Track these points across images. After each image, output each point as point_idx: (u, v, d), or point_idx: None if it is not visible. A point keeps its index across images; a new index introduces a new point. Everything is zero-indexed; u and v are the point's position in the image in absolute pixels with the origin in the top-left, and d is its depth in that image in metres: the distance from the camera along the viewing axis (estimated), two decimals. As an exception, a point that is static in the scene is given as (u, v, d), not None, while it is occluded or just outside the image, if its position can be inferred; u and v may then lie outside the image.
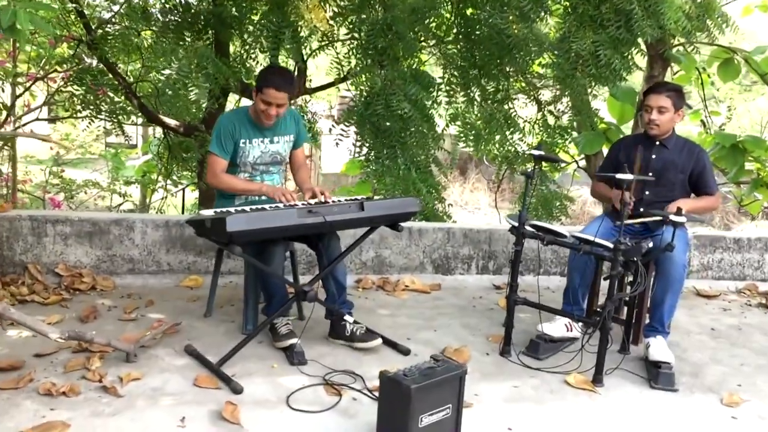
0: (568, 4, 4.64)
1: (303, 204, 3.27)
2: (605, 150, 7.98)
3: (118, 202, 11.16)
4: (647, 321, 3.59)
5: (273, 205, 3.24)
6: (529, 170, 3.38)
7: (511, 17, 4.55)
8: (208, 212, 3.12)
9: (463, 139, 5.76)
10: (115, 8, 6.70)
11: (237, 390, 2.92)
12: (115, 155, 12.52)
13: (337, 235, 3.50)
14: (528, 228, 3.36)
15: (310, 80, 6.81)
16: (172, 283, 4.24)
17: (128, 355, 3.14)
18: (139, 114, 7.68)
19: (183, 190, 10.43)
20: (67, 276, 4.05)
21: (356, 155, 5.25)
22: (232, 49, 6.32)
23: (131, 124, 8.67)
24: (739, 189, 9.90)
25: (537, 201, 6.51)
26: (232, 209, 3.15)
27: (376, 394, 2.95)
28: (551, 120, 6.82)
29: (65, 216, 4.13)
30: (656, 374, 3.26)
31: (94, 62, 6.75)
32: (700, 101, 9.12)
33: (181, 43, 5.48)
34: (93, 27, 6.31)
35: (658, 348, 3.37)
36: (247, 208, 3.17)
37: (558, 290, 4.40)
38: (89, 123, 7.49)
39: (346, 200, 3.37)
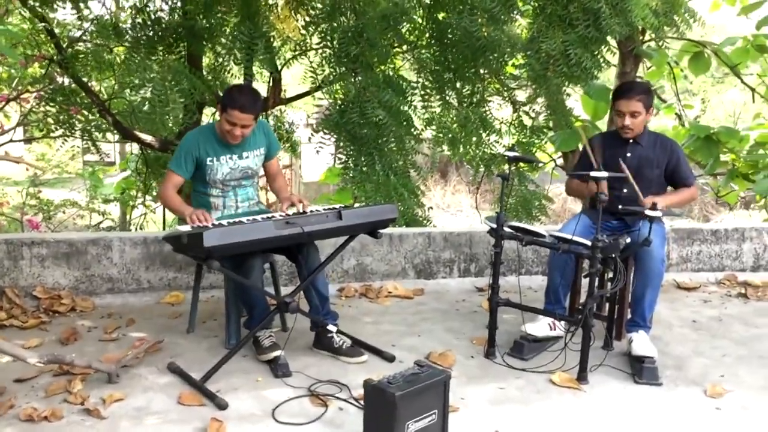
0: (536, 4, 4.66)
1: (281, 215, 3.26)
2: (581, 147, 8.06)
3: (98, 220, 11.08)
4: (629, 316, 3.62)
5: (250, 218, 3.22)
6: (505, 172, 3.39)
7: (480, 20, 4.57)
8: (184, 227, 3.10)
9: (441, 142, 5.78)
10: (86, 25, 6.66)
11: (222, 406, 2.90)
12: (92, 173, 12.42)
13: (315, 245, 3.49)
14: (506, 229, 3.37)
15: (285, 90, 6.79)
16: (153, 300, 4.21)
17: (110, 375, 3.10)
18: (115, 131, 7.64)
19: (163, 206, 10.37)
20: (45, 298, 4.00)
21: (335, 163, 5.26)
22: (205, 61, 6.30)
23: (106, 141, 8.60)
24: (716, 180, 10.02)
25: (516, 202, 6.53)
26: (208, 224, 3.13)
27: (362, 402, 2.95)
28: (527, 120, 6.87)
29: (41, 238, 4.09)
30: (640, 369, 3.28)
31: (66, 81, 6.71)
32: (674, 95, 9.22)
33: (153, 57, 5.45)
34: (64, 46, 6.27)
35: (640, 343, 3.39)
36: (224, 222, 3.16)
37: (540, 289, 4.39)
38: (63, 142, 7.44)
39: (323, 210, 3.36)
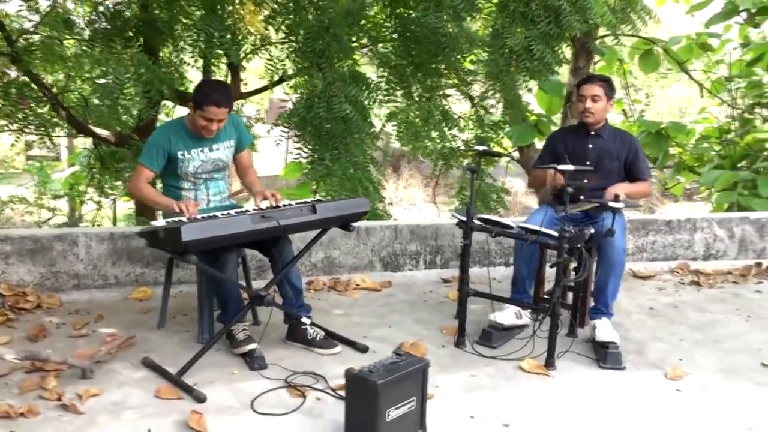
0: (498, 1, 4.77)
1: (255, 209, 3.28)
2: (537, 141, 8.25)
3: (47, 216, 10.83)
4: (591, 304, 3.76)
5: (225, 212, 3.24)
6: (473, 165, 3.48)
7: (445, 16, 4.66)
8: (159, 222, 3.10)
9: (402, 136, 5.86)
10: (36, 18, 6.52)
11: (200, 399, 2.92)
12: (40, 169, 12.14)
13: (289, 239, 3.53)
14: (476, 222, 3.46)
15: (246, 83, 6.79)
16: (120, 296, 4.18)
17: (84, 371, 3.08)
18: (65, 126, 7.49)
19: (114, 201, 10.21)
20: (10, 296, 3.93)
21: (298, 158, 5.28)
22: (161, 55, 6.25)
23: (57, 136, 8.43)
24: (662, 173, 10.36)
25: (475, 195, 6.66)
26: (184, 218, 3.13)
27: (340, 392, 3.01)
28: (484, 115, 7.01)
29: (5, 234, 4.02)
30: (604, 354, 3.42)
31: (14, 74, 6.55)
32: (623, 91, 9.50)
33: (112, 51, 5.39)
34: (14, 38, 6.13)
35: (604, 329, 3.53)
36: (198, 216, 3.17)
37: (504, 280, 4.53)
38: (17, 138, 7.27)
39: (297, 203, 3.40)
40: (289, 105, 5.44)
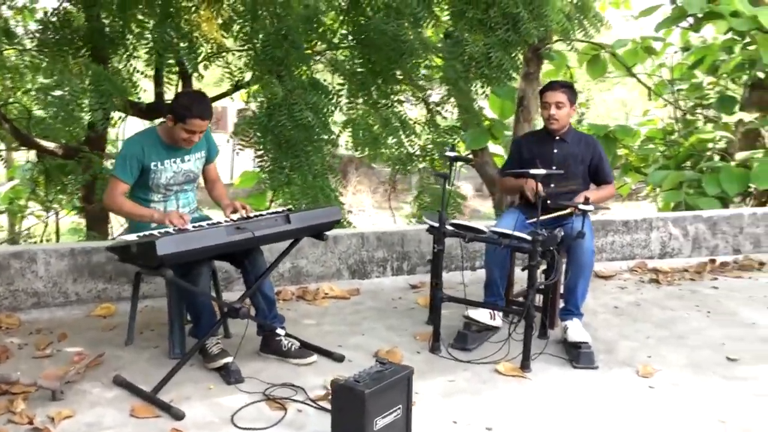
0: (457, 9, 4.81)
1: (227, 221, 3.23)
2: (490, 145, 8.37)
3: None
4: (561, 305, 3.82)
5: (196, 225, 3.18)
6: (445, 171, 3.50)
7: (406, 23, 4.68)
8: (130, 237, 3.03)
9: (360, 143, 5.86)
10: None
11: (179, 416, 2.85)
12: (-23, 184, 11.71)
13: (261, 250, 3.49)
14: (448, 227, 3.48)
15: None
16: (83, 313, 4.05)
17: (54, 393, 2.98)
18: (7, 138, 7.25)
19: (57, 215, 9.92)
20: (-34, 317, 3.79)
21: (259, 167, 5.23)
22: (110, 64, 6.09)
23: (-1, 150, 8.16)
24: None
25: (432, 199, 6.72)
26: (155, 232, 3.06)
27: (321, 403, 3.00)
28: (439, 120, 7.06)
29: (-42, 253, 3.86)
30: (577, 354, 3.47)
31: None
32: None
33: (62, 62, 5.24)
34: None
35: (575, 330, 3.59)
36: (170, 230, 3.10)
37: (470, 284, 4.55)
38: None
39: (269, 214, 3.36)
40: (247, 113, 5.37)
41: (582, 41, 6.06)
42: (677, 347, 3.75)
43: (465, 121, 7.19)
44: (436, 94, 7.66)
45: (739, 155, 8.17)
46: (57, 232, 10.65)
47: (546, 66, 8.49)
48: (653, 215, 5.65)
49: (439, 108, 7.13)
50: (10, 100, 7.63)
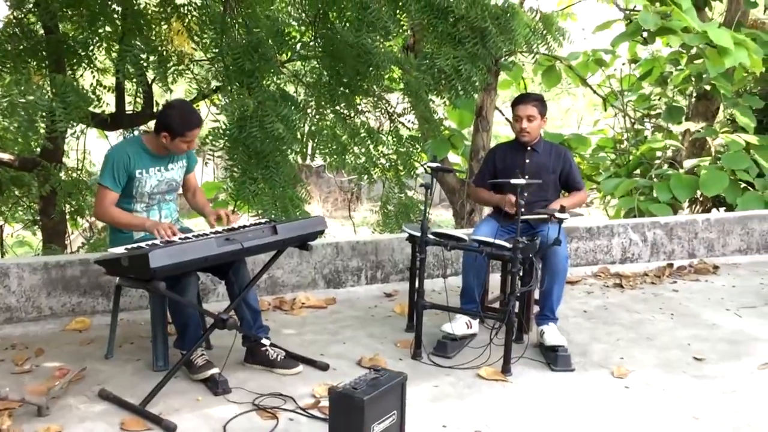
0: (427, 22, 4.91)
1: (214, 233, 3.25)
2: (450, 155, 8.52)
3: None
4: (536, 310, 3.94)
5: (182, 237, 3.19)
6: (428, 182, 3.59)
7: (378, 36, 4.76)
8: (118, 250, 3.01)
9: (326, 153, 5.90)
10: None
11: (170, 428, 2.85)
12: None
13: (245, 261, 3.51)
14: (430, 236, 3.56)
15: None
16: (57, 328, 3.99)
17: (40, 408, 2.94)
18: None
19: (1, 228, 9.66)
20: (-63, 334, 3.69)
21: (227, 178, 5.22)
22: (72, 75, 6.00)
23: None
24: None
25: (396, 209, 6.80)
26: (143, 244, 3.06)
27: (311, 411, 3.03)
28: (402, 130, 7.15)
29: (-73, 268, 3.77)
30: (554, 358, 3.59)
31: None
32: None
33: (23, 70, 5.15)
34: None
35: (552, 334, 3.71)
36: (157, 242, 3.10)
37: (443, 291, 4.65)
38: None
39: (254, 224, 3.39)
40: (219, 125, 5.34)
41: (545, 55, 6.24)
42: (647, 348, 3.91)
43: (425, 132, 7.31)
44: (397, 104, 7.77)
45: (687, 163, 8.51)
46: (1, 246, 10.36)
47: (502, 76, 8.72)
48: (614, 222, 5.85)
49: (401, 119, 7.23)
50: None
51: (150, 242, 3.12)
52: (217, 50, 4.97)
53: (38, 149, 6.83)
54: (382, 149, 6.46)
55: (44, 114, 4.55)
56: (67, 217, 7.57)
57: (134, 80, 5.43)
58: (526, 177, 3.88)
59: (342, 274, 4.81)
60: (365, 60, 4.94)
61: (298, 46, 5.57)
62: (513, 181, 3.41)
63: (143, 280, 2.91)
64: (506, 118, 7.63)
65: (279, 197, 5.21)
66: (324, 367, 3.50)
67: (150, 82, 5.92)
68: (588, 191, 11.34)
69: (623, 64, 10.01)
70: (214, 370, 3.26)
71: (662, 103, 9.69)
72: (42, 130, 5.45)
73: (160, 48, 4.78)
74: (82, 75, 5.81)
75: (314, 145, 6.05)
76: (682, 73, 8.31)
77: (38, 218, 7.61)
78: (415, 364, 3.62)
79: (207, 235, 3.19)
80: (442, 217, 16.06)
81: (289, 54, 5.45)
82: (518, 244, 3.35)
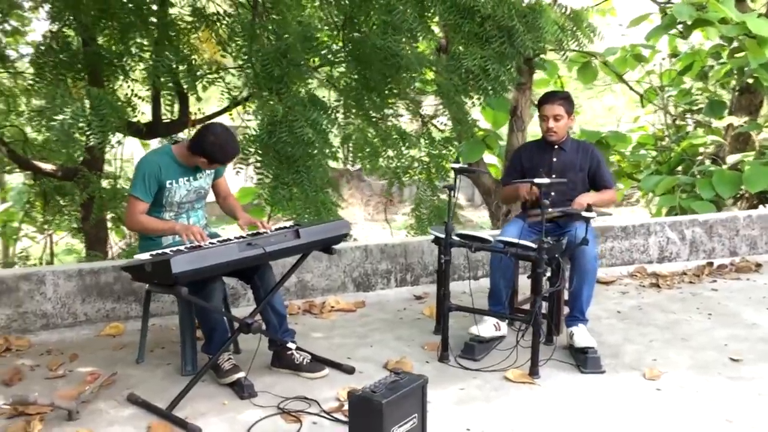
0: (453, 23, 4.88)
1: (238, 238, 3.28)
2: (486, 155, 8.45)
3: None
4: (566, 312, 3.87)
5: (208, 242, 3.23)
6: (451, 183, 3.56)
7: (404, 39, 4.75)
8: (143, 256, 3.07)
9: (359, 157, 5.92)
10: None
11: (195, 431, 2.89)
12: (-29, 206, 11.67)
13: (270, 265, 3.53)
14: (455, 237, 3.54)
15: (203, 112, 6.74)
16: (92, 333, 4.08)
17: (70, 413, 3.01)
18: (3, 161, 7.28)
19: (51, 236, 9.93)
20: (-24, 340, 3.81)
21: (260, 184, 5.27)
22: (109, 86, 6.15)
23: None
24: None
25: (430, 211, 6.77)
26: (168, 251, 3.10)
27: (335, 415, 3.03)
28: (435, 132, 7.13)
29: (-33, 277, 3.89)
30: (584, 359, 3.53)
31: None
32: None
33: (60, 83, 5.29)
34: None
35: (581, 336, 3.65)
36: (182, 248, 3.15)
37: (474, 293, 4.61)
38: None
39: (278, 229, 3.41)
40: (246, 131, 5.41)
41: (576, 51, 6.15)
42: (681, 349, 3.81)
43: (459, 133, 7.27)
44: (428, 106, 7.74)
45: (731, 159, 8.28)
46: (51, 254, 10.65)
47: (538, 74, 8.61)
48: (651, 220, 5.73)
49: (433, 121, 7.22)
50: (6, 123, 7.67)
51: (176, 248, 3.17)
52: (245, 57, 5.02)
53: (80, 159, 7.02)
54: (414, 152, 6.45)
55: (79, 127, 4.66)
56: (109, 224, 7.75)
57: (167, 90, 5.55)
58: (553, 176, 3.84)
59: (371, 277, 4.81)
60: (392, 63, 4.93)
61: (326, 51, 5.59)
62: (537, 180, 3.36)
63: (167, 286, 2.95)
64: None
65: (311, 201, 5.24)
66: (350, 371, 3.50)
67: (184, 91, 6.02)
68: (629, 189, 11.22)
69: (663, 58, 9.80)
70: (240, 374, 3.28)
71: (704, 97, 9.44)
72: (83, 141, 5.61)
73: (189, 57, 4.85)
74: (120, 86, 5.95)
75: (349, 149, 6.10)
76: (724, 67, 8.09)
77: (81, 226, 7.79)
78: (442, 366, 3.59)
79: (231, 240, 3.22)
80: (484, 219, 15.93)
81: (318, 60, 5.47)
82: (543, 244, 3.30)
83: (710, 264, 5.44)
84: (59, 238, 10.49)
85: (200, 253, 2.95)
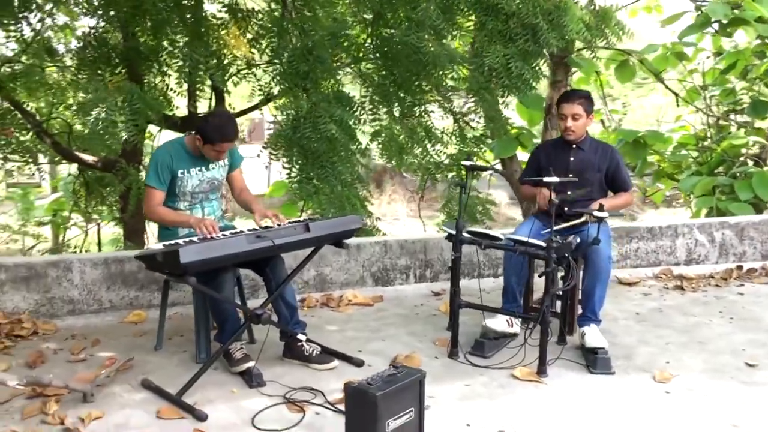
0: (478, 20, 4.89)
1: (249, 230, 3.36)
2: (519, 153, 8.39)
3: (31, 243, 10.77)
4: (579, 312, 3.85)
5: (221, 234, 3.31)
6: (462, 180, 3.57)
7: (426, 36, 4.77)
8: (156, 246, 3.17)
9: (386, 154, 5.95)
10: (15, 46, 6.57)
11: (201, 417, 2.97)
12: (23, 196, 12.09)
13: (282, 257, 3.60)
14: (465, 234, 3.55)
15: (234, 107, 6.85)
16: (116, 320, 4.22)
17: (85, 395, 3.13)
18: (49, 152, 7.52)
19: (98, 225, 10.22)
20: (5, 323, 3.96)
21: (286, 178, 5.36)
22: (146, 81, 6.31)
23: (40, 163, 8.46)
24: (642, 181, 10.54)
25: (464, 208, 6.76)
26: (180, 241, 3.20)
27: (338, 406, 3.08)
28: (467, 130, 7.12)
29: (-1, 263, 4.06)
30: (594, 360, 3.51)
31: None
32: (600, 101, 9.65)
33: (98, 78, 5.46)
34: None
35: (592, 336, 3.63)
36: (195, 239, 3.23)
37: (492, 291, 4.63)
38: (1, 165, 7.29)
39: (290, 223, 3.48)
40: (276, 126, 5.52)
41: (605, 49, 6.08)
42: (697, 353, 3.76)
43: (492, 131, 7.24)
44: (464, 102, 7.73)
45: (773, 160, 8.08)
46: (99, 243, 10.97)
47: (576, 73, 8.51)
48: (678, 222, 5.63)
49: (466, 118, 7.20)
50: (53, 115, 7.92)
51: (189, 239, 3.26)
52: (272, 53, 5.10)
53: (119, 151, 7.21)
54: (444, 149, 6.46)
55: (115, 120, 4.81)
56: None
57: (199, 84, 5.67)
58: (570, 175, 3.82)
59: (390, 273, 4.85)
60: (417, 59, 4.95)
61: (353, 47, 5.64)
62: (546, 179, 3.36)
63: (177, 275, 3.04)
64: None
65: (337, 196, 5.30)
66: (359, 364, 3.55)
67: (218, 86, 6.15)
68: (670, 190, 11.00)
69: (707, 57, 9.58)
70: (250, 364, 3.36)
71: (748, 97, 9.20)
72: (123, 134, 5.78)
73: (219, 52, 4.96)
74: (161, 80, 6.11)
75: (378, 145, 6.14)
76: (764, 65, 7.87)
77: (120, 216, 8.01)
78: (451, 362, 3.61)
79: (241, 232, 3.30)
80: (520, 216, 15.82)
81: (345, 56, 5.52)
82: (552, 242, 3.30)
83: (739, 267, 5.32)
84: (107, 228, 10.81)
85: (209, 244, 3.04)
